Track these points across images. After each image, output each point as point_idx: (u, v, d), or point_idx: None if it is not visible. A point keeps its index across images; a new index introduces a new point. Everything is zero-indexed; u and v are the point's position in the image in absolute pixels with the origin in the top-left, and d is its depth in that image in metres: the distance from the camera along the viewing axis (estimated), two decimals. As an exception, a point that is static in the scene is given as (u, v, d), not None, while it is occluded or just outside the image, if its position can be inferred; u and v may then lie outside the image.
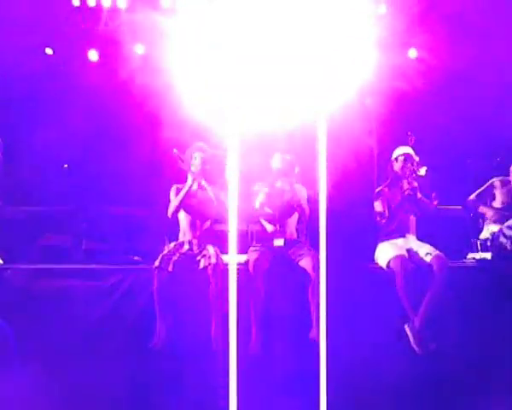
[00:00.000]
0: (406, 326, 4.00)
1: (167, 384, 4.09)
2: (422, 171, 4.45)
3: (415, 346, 3.94)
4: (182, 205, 4.32)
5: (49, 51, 10.00)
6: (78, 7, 9.65)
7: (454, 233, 4.90)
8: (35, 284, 4.30)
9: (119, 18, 9.85)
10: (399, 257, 4.09)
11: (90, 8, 9.68)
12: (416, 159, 4.50)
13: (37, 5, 9.16)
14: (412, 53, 9.83)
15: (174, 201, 4.31)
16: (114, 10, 9.73)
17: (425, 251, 4.18)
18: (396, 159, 4.54)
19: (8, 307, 3.91)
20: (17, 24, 9.11)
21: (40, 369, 3.70)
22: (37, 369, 3.49)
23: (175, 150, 4.39)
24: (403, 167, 4.47)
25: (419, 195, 4.47)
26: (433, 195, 4.39)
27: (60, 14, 9.72)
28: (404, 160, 4.47)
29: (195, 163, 4.36)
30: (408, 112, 9.91)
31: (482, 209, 4.90)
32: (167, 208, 4.37)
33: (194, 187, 4.43)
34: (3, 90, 7.90)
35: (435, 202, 4.38)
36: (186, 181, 4.35)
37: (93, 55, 9.87)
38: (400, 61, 10.24)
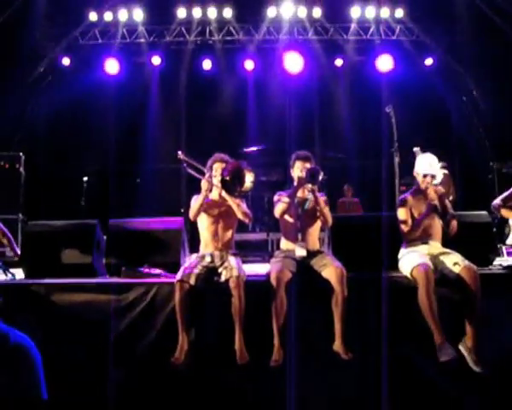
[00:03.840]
0: (460, 346, 3.89)
1: (189, 397, 4.08)
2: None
3: (473, 366, 3.83)
4: (201, 210, 4.32)
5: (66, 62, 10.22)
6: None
7: (478, 239, 4.78)
8: (57, 298, 4.33)
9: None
10: (423, 265, 3.98)
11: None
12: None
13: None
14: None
15: (194, 205, 4.32)
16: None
17: (452, 260, 4.05)
18: (424, 175, 4.38)
19: (30, 321, 3.94)
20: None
21: (64, 382, 3.72)
22: (61, 382, 3.50)
23: (180, 153, 4.40)
24: (427, 183, 4.37)
25: (446, 202, 4.38)
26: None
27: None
28: (431, 177, 4.37)
29: (216, 174, 4.35)
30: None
31: (508, 214, 4.77)
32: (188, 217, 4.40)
33: (215, 197, 4.42)
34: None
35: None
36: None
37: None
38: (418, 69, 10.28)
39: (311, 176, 4.27)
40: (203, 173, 4.43)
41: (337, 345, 3.94)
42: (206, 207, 4.38)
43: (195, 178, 4.51)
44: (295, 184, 4.41)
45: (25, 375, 2.69)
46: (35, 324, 4.05)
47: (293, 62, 9.90)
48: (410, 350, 4.07)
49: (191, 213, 4.34)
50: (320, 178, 4.28)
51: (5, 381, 2.64)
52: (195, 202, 4.33)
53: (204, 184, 4.29)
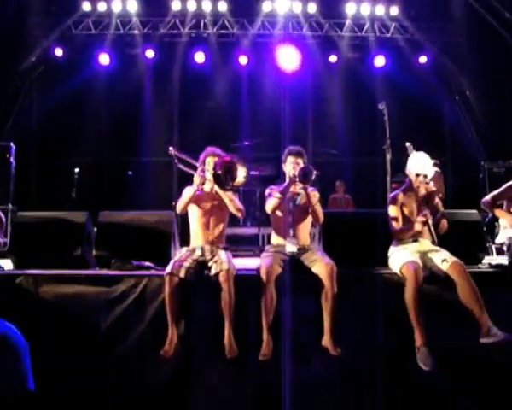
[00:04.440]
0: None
1: (179, 390, 4.08)
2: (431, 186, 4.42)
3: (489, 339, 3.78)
4: (189, 203, 4.31)
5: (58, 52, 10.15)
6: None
7: (468, 237, 4.80)
8: (46, 289, 4.30)
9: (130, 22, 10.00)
10: (412, 263, 4.00)
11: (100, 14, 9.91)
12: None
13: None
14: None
15: (183, 198, 4.30)
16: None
17: (441, 257, 4.07)
18: (417, 174, 4.37)
19: (18, 312, 3.91)
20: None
21: (51, 374, 3.70)
22: (48, 374, 3.49)
23: (171, 148, 4.37)
24: (419, 183, 4.38)
25: (436, 199, 4.40)
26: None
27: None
28: (423, 177, 4.37)
29: (208, 168, 4.33)
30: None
31: (498, 213, 4.79)
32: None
33: (207, 190, 4.41)
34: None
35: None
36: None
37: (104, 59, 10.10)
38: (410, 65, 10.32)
39: (303, 175, 4.26)
40: (195, 168, 4.41)
41: (326, 340, 3.95)
42: (198, 199, 4.37)
43: (188, 173, 4.47)
44: (287, 180, 4.40)
45: (11, 366, 2.68)
46: (23, 315, 4.00)
47: (289, 58, 9.88)
48: (398, 348, 4.08)
49: (179, 206, 4.32)
50: (313, 177, 4.25)
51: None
52: (186, 194, 4.31)
53: (196, 179, 4.27)
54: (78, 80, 10.04)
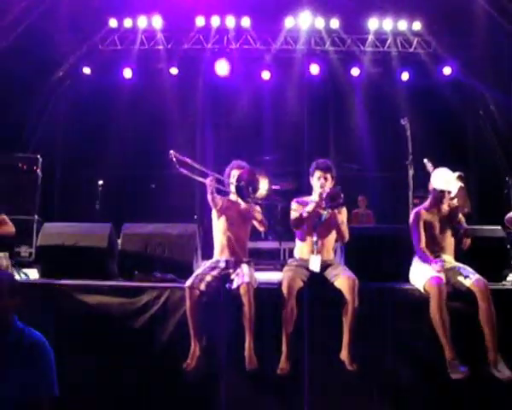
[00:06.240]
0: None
1: (200, 403, 4.10)
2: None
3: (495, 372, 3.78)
4: (218, 200, 4.35)
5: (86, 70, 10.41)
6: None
7: (492, 254, 4.75)
8: (71, 299, 4.37)
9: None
10: (436, 279, 3.96)
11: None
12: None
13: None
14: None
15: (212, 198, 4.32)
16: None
17: (464, 274, 4.03)
18: (442, 191, 4.35)
19: (43, 321, 3.98)
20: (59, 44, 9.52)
21: (74, 382, 3.75)
22: (72, 382, 3.53)
23: (171, 152, 4.38)
24: (442, 199, 4.36)
25: (459, 216, 4.37)
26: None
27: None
28: (447, 193, 4.35)
29: (232, 180, 4.37)
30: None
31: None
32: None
33: (233, 199, 4.45)
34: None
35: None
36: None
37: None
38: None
39: (330, 199, 4.18)
40: (200, 173, 4.41)
41: (344, 354, 3.94)
42: (223, 212, 4.41)
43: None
44: (313, 195, 4.38)
45: (38, 372, 2.74)
46: (48, 323, 4.07)
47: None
48: (421, 365, 4.05)
49: (212, 202, 4.32)
50: (341, 200, 4.16)
51: (19, 377, 2.68)
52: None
53: (209, 187, 4.28)
54: (104, 94, 10.25)
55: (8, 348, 2.75)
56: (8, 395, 2.67)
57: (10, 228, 4.85)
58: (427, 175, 4.51)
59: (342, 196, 4.16)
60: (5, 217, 4.85)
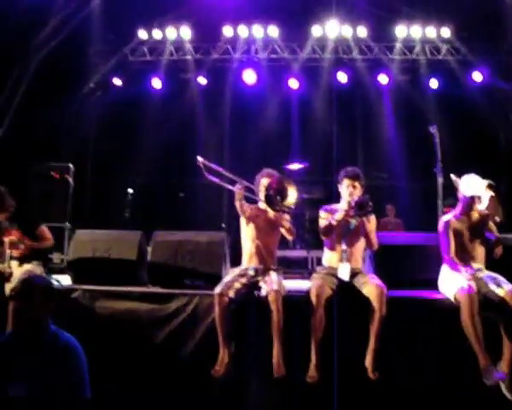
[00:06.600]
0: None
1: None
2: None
3: (506, 392, 3.74)
4: (245, 207, 4.40)
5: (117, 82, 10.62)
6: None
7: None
8: (102, 304, 4.47)
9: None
10: (466, 288, 3.90)
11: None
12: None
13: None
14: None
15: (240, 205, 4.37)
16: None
17: (496, 283, 3.97)
18: (471, 197, 4.31)
19: (75, 325, 4.06)
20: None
21: (104, 384, 3.81)
22: (102, 384, 3.59)
23: (199, 158, 4.42)
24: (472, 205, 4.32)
25: (490, 224, 4.31)
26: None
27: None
28: (477, 199, 4.30)
29: (262, 188, 4.41)
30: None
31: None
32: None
33: (263, 207, 4.48)
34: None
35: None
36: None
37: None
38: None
39: (359, 208, 4.17)
40: (229, 180, 4.46)
41: (368, 361, 3.93)
42: (252, 220, 4.46)
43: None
44: (341, 202, 4.39)
45: (71, 374, 2.81)
46: (80, 327, 4.16)
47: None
48: (451, 373, 4.00)
49: (240, 209, 4.39)
50: (369, 208, 4.15)
51: (53, 378, 2.75)
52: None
53: (237, 194, 4.33)
54: (134, 104, 10.42)
55: (43, 350, 2.83)
56: (41, 397, 2.74)
57: (50, 241, 5.01)
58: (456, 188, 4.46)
59: (371, 204, 4.14)
60: (45, 229, 5.01)
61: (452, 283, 4.08)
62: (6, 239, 4.70)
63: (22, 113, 8.81)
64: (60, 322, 3.04)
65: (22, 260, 4.71)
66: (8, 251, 4.65)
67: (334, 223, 4.24)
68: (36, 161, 8.62)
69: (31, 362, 2.78)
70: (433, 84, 10.33)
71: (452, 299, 4.03)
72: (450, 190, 5.00)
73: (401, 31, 10.00)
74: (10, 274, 4.51)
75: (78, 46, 9.48)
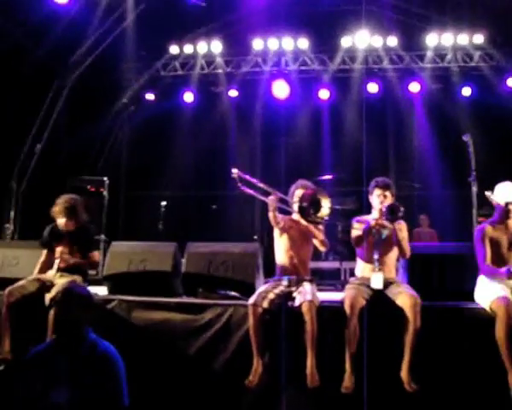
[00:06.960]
0: None
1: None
2: None
3: None
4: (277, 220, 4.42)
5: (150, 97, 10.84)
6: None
7: None
8: (138, 314, 4.55)
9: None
10: (503, 299, 3.83)
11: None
12: None
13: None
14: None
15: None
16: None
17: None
18: (507, 204, 4.22)
19: (112, 334, 4.15)
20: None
21: (141, 393, 3.87)
22: (139, 393, 3.65)
23: (234, 170, 4.45)
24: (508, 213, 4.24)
25: None
26: None
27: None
28: None
29: (296, 200, 4.44)
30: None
31: None
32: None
33: (296, 218, 4.50)
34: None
35: None
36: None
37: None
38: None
39: (390, 213, 4.17)
40: (263, 192, 4.49)
41: (403, 373, 3.87)
42: (286, 231, 4.48)
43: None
44: (373, 212, 4.39)
45: (110, 381, 2.88)
46: (116, 337, 4.24)
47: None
48: (485, 387, 3.92)
49: (273, 221, 4.42)
50: (400, 214, 4.14)
51: (93, 385, 2.83)
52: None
53: (271, 206, 4.36)
54: (166, 118, 10.62)
55: (82, 358, 2.91)
56: (80, 404, 2.81)
57: (96, 266, 5.12)
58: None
59: (402, 209, 4.14)
60: (97, 254, 5.15)
61: (488, 293, 4.01)
62: (58, 249, 4.82)
63: (59, 128, 9.09)
64: (97, 331, 3.12)
65: (63, 271, 4.81)
66: (57, 261, 4.76)
67: (366, 228, 4.23)
68: (72, 175, 8.87)
69: (71, 369, 2.87)
70: (466, 91, 10.19)
71: (488, 309, 3.96)
72: (485, 200, 4.93)
73: (432, 39, 9.91)
74: (52, 284, 4.61)
75: (111, 63, 9.75)
